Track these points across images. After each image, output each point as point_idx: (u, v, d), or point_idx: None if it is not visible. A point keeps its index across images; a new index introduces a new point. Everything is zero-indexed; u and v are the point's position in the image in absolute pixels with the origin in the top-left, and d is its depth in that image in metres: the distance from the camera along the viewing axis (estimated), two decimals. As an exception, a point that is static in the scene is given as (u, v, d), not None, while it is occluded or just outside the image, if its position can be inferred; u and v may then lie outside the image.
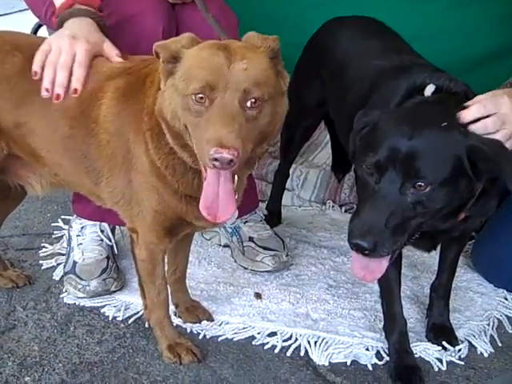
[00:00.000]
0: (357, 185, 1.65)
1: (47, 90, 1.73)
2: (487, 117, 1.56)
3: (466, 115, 1.57)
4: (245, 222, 2.40)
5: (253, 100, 1.47)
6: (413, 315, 2.09)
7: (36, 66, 1.74)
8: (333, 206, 2.77)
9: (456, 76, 2.76)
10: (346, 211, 2.75)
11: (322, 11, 2.48)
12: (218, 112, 1.44)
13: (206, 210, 1.52)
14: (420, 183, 1.50)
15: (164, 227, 1.75)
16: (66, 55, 1.74)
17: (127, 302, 2.14)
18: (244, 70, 1.47)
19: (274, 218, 2.63)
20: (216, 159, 1.40)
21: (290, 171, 2.77)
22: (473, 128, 1.55)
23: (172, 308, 2.04)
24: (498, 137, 1.56)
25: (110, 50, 1.79)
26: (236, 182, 1.56)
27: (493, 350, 1.97)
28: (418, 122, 1.54)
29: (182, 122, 1.51)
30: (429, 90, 1.67)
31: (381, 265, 1.60)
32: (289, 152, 2.55)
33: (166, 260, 1.91)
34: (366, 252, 1.53)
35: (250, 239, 2.37)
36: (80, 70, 1.74)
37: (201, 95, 1.45)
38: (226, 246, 2.48)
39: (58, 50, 1.75)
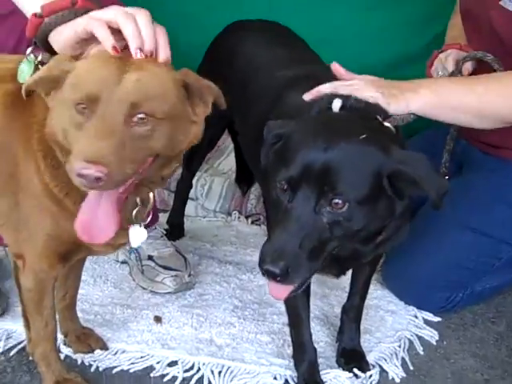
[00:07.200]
0: (265, 204, 1.48)
1: None
2: None
3: None
4: (144, 239, 2.22)
5: (141, 116, 1.26)
6: (322, 338, 1.98)
7: None
8: (239, 217, 2.63)
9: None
10: (252, 223, 2.61)
11: (226, 12, 2.35)
12: (96, 124, 1.24)
13: (81, 229, 1.34)
14: (336, 200, 1.35)
15: (58, 253, 1.53)
16: None
17: (9, 330, 1.91)
18: (136, 81, 1.27)
19: (176, 230, 2.46)
20: (81, 175, 1.20)
21: (194, 180, 2.61)
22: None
23: (61, 337, 1.84)
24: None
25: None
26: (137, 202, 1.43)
27: (404, 375, 1.88)
28: (334, 133, 1.39)
29: (69, 138, 1.31)
30: (336, 104, 1.55)
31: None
32: (192, 163, 2.38)
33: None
34: (278, 279, 1.36)
35: (150, 257, 2.18)
36: None
37: (83, 105, 1.26)
38: (123, 262, 2.28)
39: None
